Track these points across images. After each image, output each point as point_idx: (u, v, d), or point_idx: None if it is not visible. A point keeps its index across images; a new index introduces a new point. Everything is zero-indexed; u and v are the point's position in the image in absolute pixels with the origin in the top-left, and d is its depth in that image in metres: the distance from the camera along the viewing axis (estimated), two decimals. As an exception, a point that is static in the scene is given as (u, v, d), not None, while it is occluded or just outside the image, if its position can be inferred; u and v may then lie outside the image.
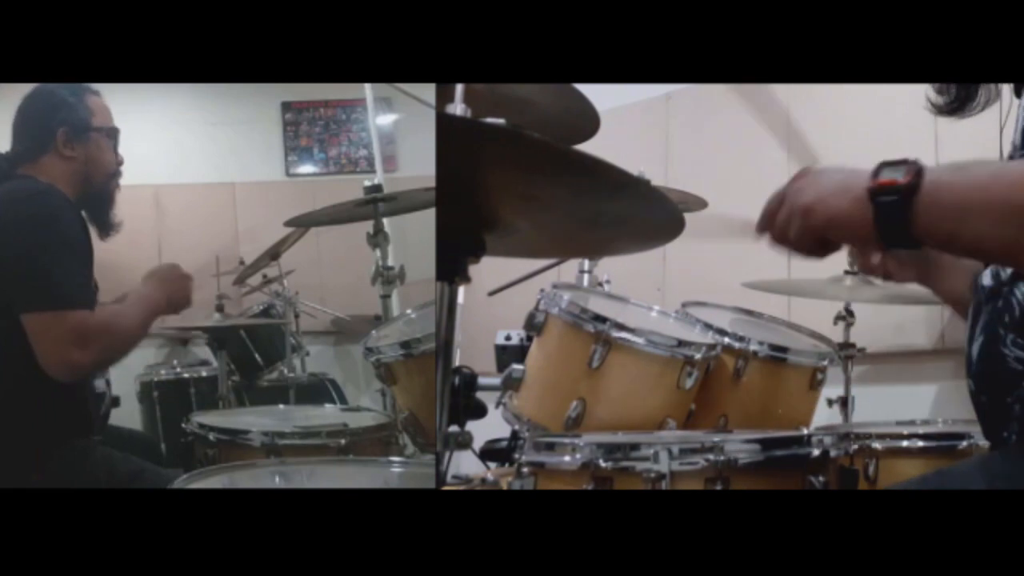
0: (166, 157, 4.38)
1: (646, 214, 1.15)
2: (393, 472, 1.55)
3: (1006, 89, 1.21)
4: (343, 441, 1.77)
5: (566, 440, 1.36)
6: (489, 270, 1.88)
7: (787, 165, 1.60)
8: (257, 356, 3.48)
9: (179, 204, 4.44)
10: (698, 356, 1.76)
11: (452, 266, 1.09)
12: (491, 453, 2.52)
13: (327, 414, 2.39)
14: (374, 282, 2.26)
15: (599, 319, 1.71)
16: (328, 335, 4.39)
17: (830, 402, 2.39)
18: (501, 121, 0.91)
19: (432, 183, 1.02)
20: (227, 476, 1.46)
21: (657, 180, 1.91)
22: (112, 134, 1.95)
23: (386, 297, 2.27)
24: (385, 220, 2.31)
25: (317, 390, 3.34)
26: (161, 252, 4.27)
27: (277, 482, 1.47)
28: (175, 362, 3.73)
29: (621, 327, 1.71)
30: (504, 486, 1.74)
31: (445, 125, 0.95)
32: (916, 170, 0.93)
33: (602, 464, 1.25)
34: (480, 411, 1.41)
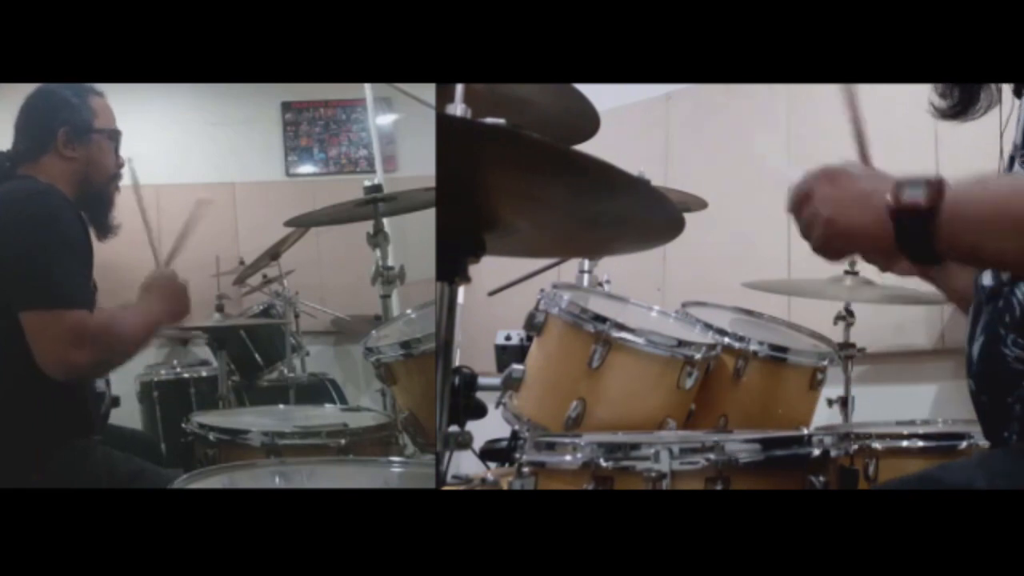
0: (166, 157, 4.36)
1: (646, 214, 1.15)
2: (393, 472, 1.55)
3: (1006, 90, 1.22)
4: (343, 441, 1.77)
5: (567, 440, 1.36)
6: (489, 270, 1.88)
7: (787, 165, 1.59)
8: (257, 356, 3.48)
9: (179, 204, 4.41)
10: (698, 356, 1.76)
11: (452, 266, 1.09)
12: (491, 453, 2.51)
13: (327, 414, 2.39)
14: (374, 282, 2.26)
15: (599, 319, 1.71)
16: (328, 335, 4.38)
17: (830, 402, 2.39)
18: (501, 121, 0.92)
19: (432, 183, 1.02)
20: (227, 476, 1.46)
21: (657, 180, 1.91)
22: (114, 136, 1.95)
23: (386, 297, 2.27)
24: (385, 220, 2.31)
25: (317, 390, 3.34)
26: (161, 252, 4.25)
27: (277, 482, 1.47)
28: (175, 362, 3.73)
29: (621, 327, 1.70)
30: (504, 486, 1.74)
31: (445, 125, 0.95)
32: (937, 190, 0.93)
33: (603, 464, 1.25)
34: (480, 411, 1.42)
